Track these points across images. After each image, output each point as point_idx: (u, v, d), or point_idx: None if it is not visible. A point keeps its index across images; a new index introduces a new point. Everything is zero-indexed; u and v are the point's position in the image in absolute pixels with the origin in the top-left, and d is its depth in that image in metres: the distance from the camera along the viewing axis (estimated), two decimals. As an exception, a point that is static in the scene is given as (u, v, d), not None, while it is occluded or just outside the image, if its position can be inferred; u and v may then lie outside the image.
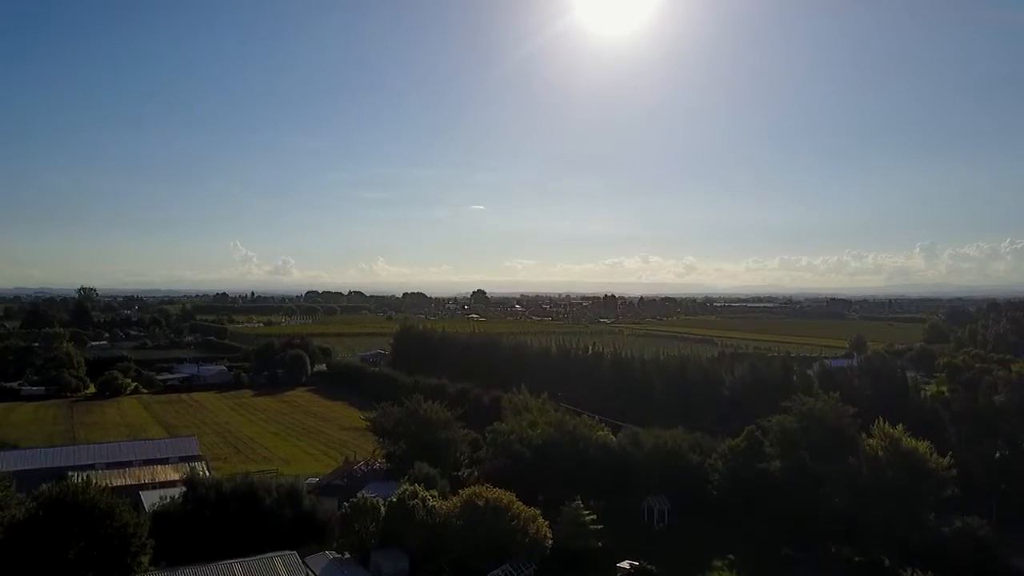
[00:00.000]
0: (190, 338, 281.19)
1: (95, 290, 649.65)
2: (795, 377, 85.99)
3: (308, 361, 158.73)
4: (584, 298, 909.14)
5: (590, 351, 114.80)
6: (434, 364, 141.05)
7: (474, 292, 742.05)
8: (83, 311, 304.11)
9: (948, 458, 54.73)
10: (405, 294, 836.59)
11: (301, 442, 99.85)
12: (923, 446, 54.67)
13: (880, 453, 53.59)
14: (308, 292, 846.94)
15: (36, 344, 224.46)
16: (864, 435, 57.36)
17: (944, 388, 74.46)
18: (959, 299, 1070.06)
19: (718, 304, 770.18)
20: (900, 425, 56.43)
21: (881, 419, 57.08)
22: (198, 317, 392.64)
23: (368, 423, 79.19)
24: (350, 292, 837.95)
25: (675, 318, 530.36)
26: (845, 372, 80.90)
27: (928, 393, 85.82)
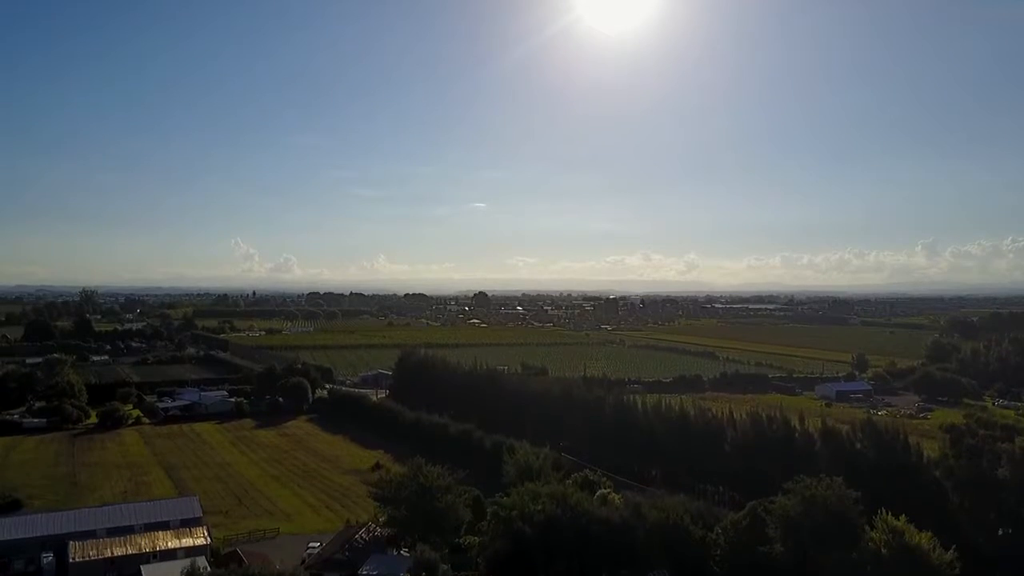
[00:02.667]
0: (191, 350, 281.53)
1: (96, 292, 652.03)
2: (797, 434, 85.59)
3: (309, 389, 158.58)
4: (586, 299, 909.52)
5: (592, 394, 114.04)
6: (435, 395, 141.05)
7: (475, 295, 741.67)
8: (84, 323, 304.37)
9: (952, 552, 54.41)
10: (406, 295, 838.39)
11: (302, 489, 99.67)
12: (926, 538, 54.37)
13: (884, 550, 53.28)
14: (309, 293, 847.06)
15: (39, 362, 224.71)
16: (867, 525, 57.00)
17: (948, 453, 74.04)
18: (960, 298, 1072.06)
19: (719, 305, 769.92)
20: (903, 516, 56.14)
21: (884, 510, 56.78)
22: (200, 324, 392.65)
23: (370, 489, 78.77)
24: (351, 293, 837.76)
25: (677, 322, 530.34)
26: (848, 435, 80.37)
27: (930, 455, 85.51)
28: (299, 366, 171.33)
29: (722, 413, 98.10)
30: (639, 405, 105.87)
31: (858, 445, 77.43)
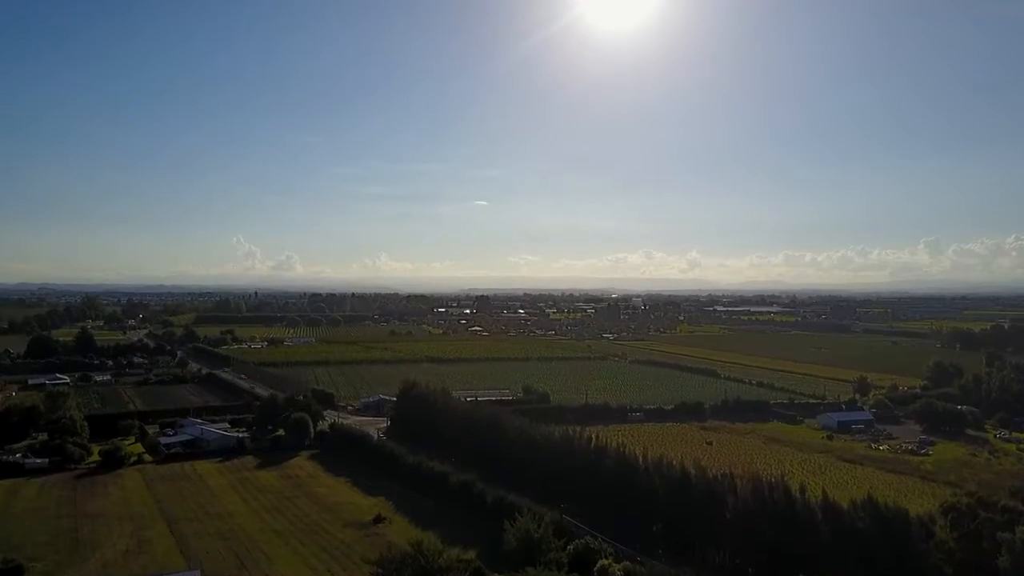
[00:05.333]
0: (193, 365, 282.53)
1: (98, 297, 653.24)
2: (797, 504, 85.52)
3: (311, 424, 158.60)
4: (587, 299, 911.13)
5: (592, 443, 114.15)
6: (436, 434, 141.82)
7: (476, 298, 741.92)
8: (87, 337, 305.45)
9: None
10: (408, 296, 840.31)
11: (304, 547, 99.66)
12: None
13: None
14: (311, 295, 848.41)
15: (42, 384, 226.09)
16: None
17: (949, 538, 74.05)
18: (963, 297, 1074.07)
19: (721, 308, 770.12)
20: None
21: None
22: (201, 334, 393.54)
23: (372, 569, 79.01)
24: (352, 295, 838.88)
25: (679, 329, 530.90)
26: (850, 513, 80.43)
27: (932, 513, 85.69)
28: (301, 398, 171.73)
29: (722, 474, 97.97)
30: (640, 460, 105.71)
31: (859, 524, 77.35)
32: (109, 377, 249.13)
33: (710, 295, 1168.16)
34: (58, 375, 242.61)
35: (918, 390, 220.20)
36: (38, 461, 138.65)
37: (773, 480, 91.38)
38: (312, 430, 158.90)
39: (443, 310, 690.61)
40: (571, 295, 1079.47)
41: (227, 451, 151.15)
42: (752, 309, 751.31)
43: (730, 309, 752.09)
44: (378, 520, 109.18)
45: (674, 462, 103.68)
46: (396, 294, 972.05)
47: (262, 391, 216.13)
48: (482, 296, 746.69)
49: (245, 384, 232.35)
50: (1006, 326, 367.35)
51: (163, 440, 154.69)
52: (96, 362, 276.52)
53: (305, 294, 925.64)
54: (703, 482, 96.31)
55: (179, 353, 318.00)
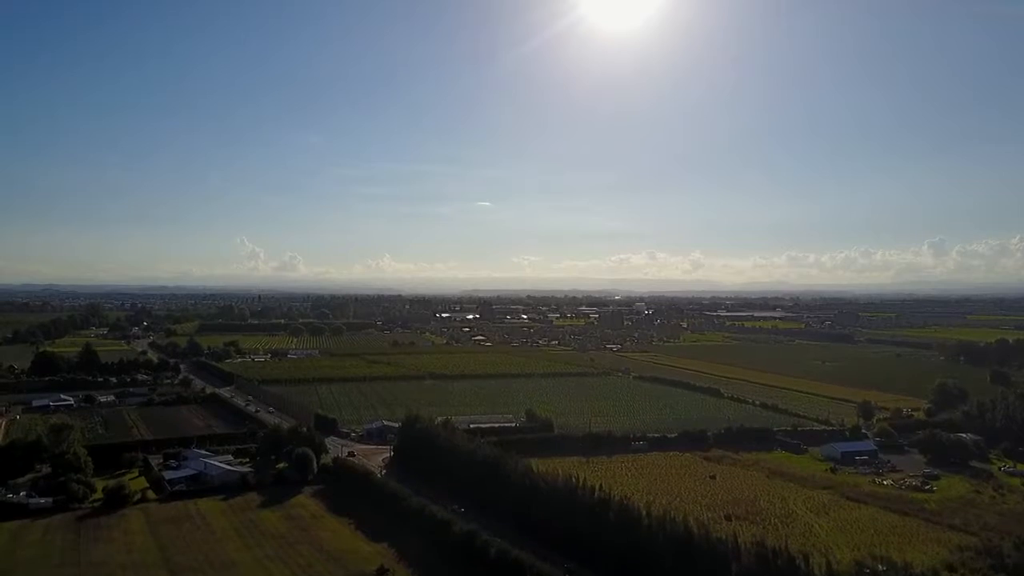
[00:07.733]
0: (197, 382, 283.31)
1: (102, 305, 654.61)
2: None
3: (314, 459, 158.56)
4: (591, 303, 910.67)
5: (596, 493, 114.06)
6: (438, 472, 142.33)
7: (479, 303, 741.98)
8: (90, 355, 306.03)
9: None
10: (411, 300, 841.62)
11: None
12: None
13: None
14: (315, 299, 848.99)
15: (45, 405, 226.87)
16: None
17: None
18: (967, 299, 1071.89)
19: (724, 313, 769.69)
20: None
21: None
22: (205, 345, 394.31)
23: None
24: (355, 298, 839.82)
25: (682, 339, 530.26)
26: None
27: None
28: (304, 430, 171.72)
29: (727, 536, 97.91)
30: (644, 514, 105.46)
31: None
32: (113, 397, 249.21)
33: (713, 297, 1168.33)
34: (61, 395, 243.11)
35: (923, 414, 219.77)
36: (42, 501, 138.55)
37: (776, 547, 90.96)
38: (315, 464, 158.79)
39: (446, 315, 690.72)
40: (574, 297, 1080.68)
41: (230, 487, 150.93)
42: (756, 314, 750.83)
43: (733, 314, 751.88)
44: (381, 572, 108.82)
45: (678, 519, 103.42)
46: (399, 296, 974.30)
47: (265, 415, 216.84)
48: (485, 301, 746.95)
49: (248, 407, 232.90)
50: (1011, 340, 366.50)
51: (167, 475, 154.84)
52: (100, 380, 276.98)
53: (308, 296, 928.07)
54: (707, 542, 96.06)
55: (182, 368, 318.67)
